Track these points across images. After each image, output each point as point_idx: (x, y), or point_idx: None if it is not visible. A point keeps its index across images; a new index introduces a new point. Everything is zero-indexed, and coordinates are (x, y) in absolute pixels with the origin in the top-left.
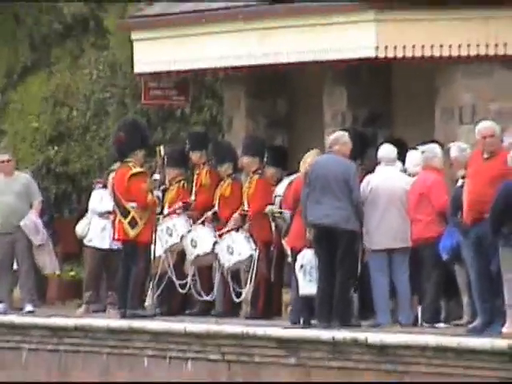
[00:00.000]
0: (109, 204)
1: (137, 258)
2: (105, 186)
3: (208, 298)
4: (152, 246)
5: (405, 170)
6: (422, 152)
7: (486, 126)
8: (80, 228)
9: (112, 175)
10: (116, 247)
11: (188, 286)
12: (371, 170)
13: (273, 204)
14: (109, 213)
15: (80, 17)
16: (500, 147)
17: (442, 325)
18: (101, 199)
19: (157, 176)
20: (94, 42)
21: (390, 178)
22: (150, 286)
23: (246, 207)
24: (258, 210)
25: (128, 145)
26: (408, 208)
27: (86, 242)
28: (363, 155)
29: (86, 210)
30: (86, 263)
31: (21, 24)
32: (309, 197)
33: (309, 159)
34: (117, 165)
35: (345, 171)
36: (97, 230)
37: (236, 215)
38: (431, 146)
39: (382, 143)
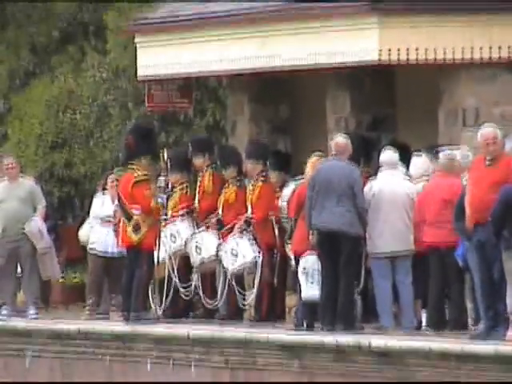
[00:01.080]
0: (109, 209)
1: (140, 262)
2: (104, 189)
3: (211, 306)
4: (155, 251)
5: (409, 176)
6: (444, 156)
7: (488, 130)
8: (83, 234)
9: (111, 179)
10: (118, 252)
11: (193, 291)
12: (374, 175)
13: (276, 211)
14: (110, 217)
15: (80, 21)
16: (502, 152)
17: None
18: (102, 204)
19: (162, 180)
20: (95, 46)
21: (393, 182)
22: (153, 291)
23: (249, 212)
24: (261, 215)
25: (135, 150)
26: (426, 211)
27: (88, 247)
28: (369, 160)
29: (88, 215)
30: (88, 268)
31: (22, 30)
32: (313, 201)
33: (315, 163)
34: (117, 170)
35: (349, 176)
36: (99, 236)
37: (241, 222)
38: (452, 150)
39: (383, 147)
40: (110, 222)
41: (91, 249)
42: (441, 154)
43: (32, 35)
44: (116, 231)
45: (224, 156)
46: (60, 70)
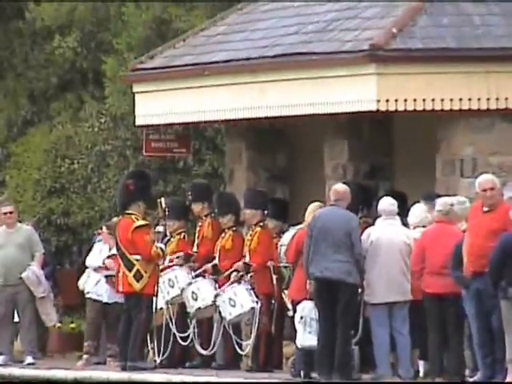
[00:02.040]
0: (98, 259)
1: (140, 309)
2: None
3: (207, 353)
4: (154, 298)
5: (405, 224)
6: (440, 203)
7: (485, 178)
8: (81, 281)
9: (104, 229)
10: (112, 301)
11: (190, 338)
12: (372, 223)
13: (274, 258)
14: (100, 267)
15: (78, 68)
16: (500, 200)
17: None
18: (99, 253)
19: (160, 228)
20: (93, 93)
21: (390, 231)
22: (151, 339)
23: (247, 259)
24: (260, 263)
25: (133, 195)
26: (428, 260)
27: (85, 293)
28: (368, 208)
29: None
30: (86, 313)
31: (20, 78)
32: (311, 249)
33: (313, 211)
34: (115, 219)
35: (347, 224)
36: (92, 283)
37: (240, 263)
38: (461, 198)
39: (382, 196)
40: (100, 269)
41: (88, 294)
42: (437, 202)
43: (31, 81)
44: (107, 279)
45: (222, 204)
46: (58, 118)
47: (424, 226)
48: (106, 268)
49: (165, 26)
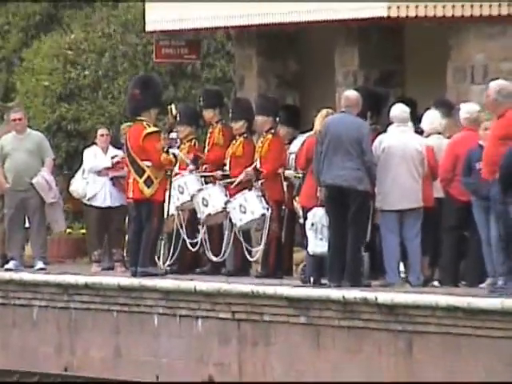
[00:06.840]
0: (103, 160)
1: (151, 216)
2: (93, 143)
3: (218, 259)
4: (165, 204)
5: (417, 130)
6: (479, 111)
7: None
8: (78, 188)
9: (100, 132)
10: (117, 204)
11: (199, 244)
12: (383, 130)
13: (285, 166)
14: (107, 169)
15: None
16: (510, 107)
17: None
18: (95, 157)
19: (174, 134)
20: (105, 1)
21: (403, 137)
22: (162, 245)
23: (258, 166)
24: (270, 170)
25: (142, 102)
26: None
27: (85, 200)
28: (377, 114)
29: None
30: (87, 222)
31: None
32: (321, 156)
33: (322, 118)
34: (126, 124)
35: (358, 131)
36: (97, 189)
37: (249, 169)
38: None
39: (394, 103)
40: (107, 171)
41: (88, 202)
42: (463, 109)
43: None
44: (113, 181)
45: (237, 109)
46: (71, 24)
47: (439, 133)
48: (113, 168)
49: None
